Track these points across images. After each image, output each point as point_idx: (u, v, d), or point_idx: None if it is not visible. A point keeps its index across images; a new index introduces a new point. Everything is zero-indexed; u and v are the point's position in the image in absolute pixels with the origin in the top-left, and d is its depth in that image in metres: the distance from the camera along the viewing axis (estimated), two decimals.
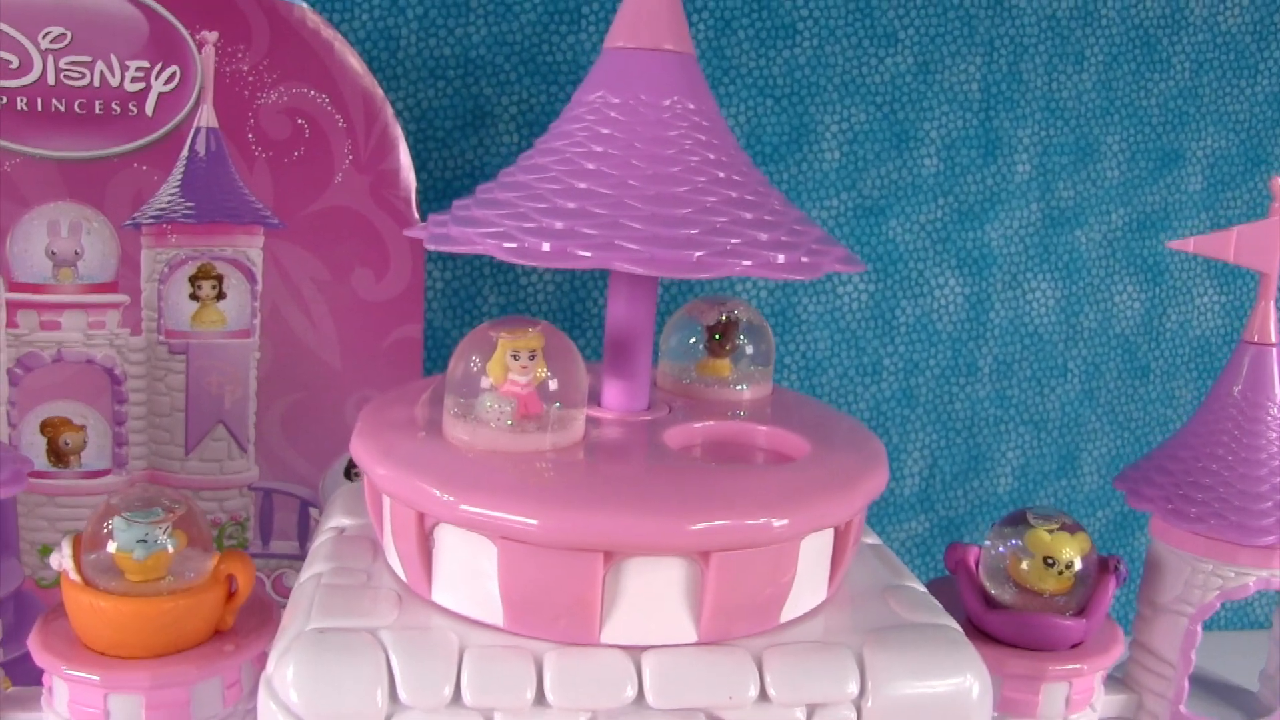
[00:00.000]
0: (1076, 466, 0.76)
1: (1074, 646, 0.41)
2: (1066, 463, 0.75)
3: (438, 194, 0.63)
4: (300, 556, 0.53)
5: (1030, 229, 0.72)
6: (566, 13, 0.63)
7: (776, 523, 0.30)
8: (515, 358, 0.31)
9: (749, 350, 0.41)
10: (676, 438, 0.34)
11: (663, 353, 0.42)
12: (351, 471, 0.53)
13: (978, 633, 0.41)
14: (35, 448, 0.49)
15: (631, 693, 0.29)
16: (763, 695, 0.30)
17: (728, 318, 0.41)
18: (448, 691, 0.29)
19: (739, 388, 0.40)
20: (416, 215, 0.52)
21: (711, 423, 0.36)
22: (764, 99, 0.66)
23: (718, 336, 0.41)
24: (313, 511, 0.53)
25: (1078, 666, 0.40)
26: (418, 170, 0.52)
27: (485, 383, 0.32)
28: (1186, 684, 0.44)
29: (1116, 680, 0.46)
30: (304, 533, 0.54)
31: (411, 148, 0.52)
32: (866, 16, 0.67)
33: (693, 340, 0.41)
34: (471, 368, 0.32)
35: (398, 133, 0.51)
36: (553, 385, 0.32)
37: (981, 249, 0.71)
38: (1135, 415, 0.76)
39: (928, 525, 0.74)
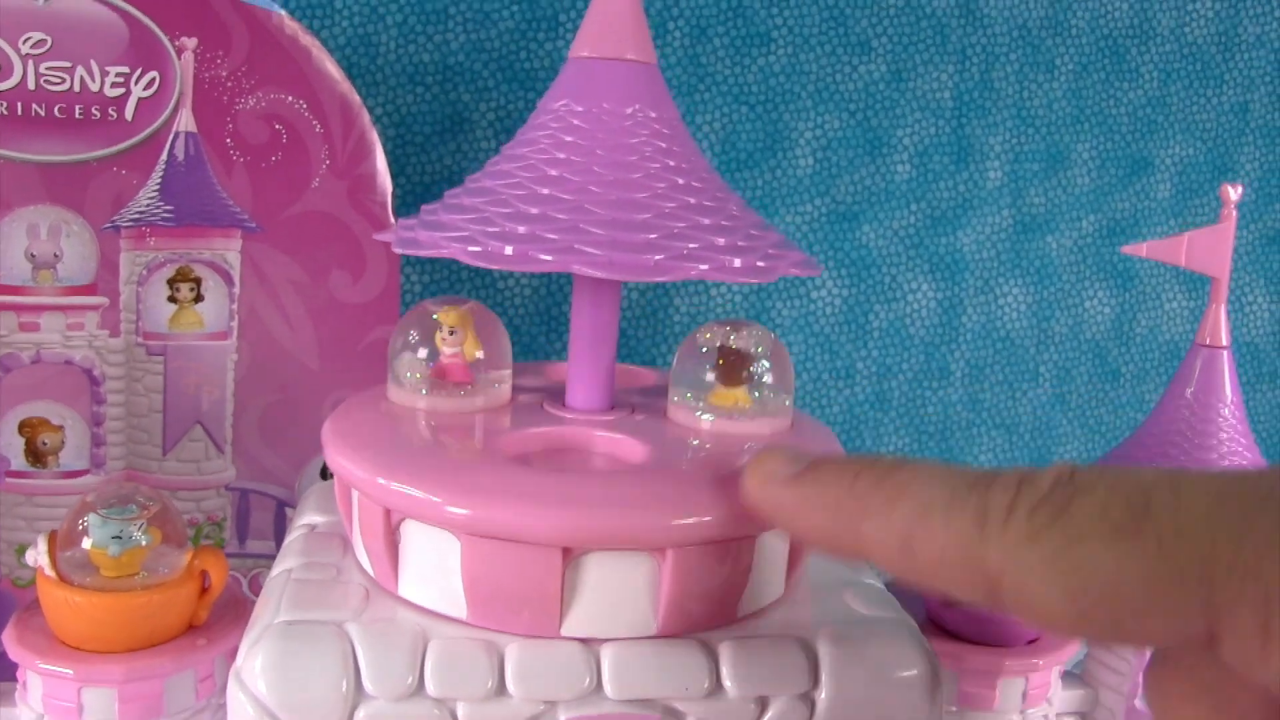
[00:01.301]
0: None
1: (1030, 642, 0.42)
2: (1037, 466, 0.76)
3: (415, 199, 0.63)
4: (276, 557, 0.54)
5: (1002, 235, 0.73)
6: (544, 20, 0.64)
7: (731, 520, 0.30)
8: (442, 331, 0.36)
9: (768, 380, 0.36)
10: (514, 444, 0.34)
11: (671, 382, 0.37)
12: (327, 471, 0.54)
13: (937, 629, 0.42)
14: (13, 448, 0.50)
15: (590, 684, 0.30)
16: (718, 687, 0.31)
17: (734, 344, 0.36)
18: (411, 682, 0.29)
19: (756, 419, 0.36)
20: (393, 219, 0.52)
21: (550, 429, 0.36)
22: (738, 106, 0.67)
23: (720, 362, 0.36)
24: (289, 512, 0.54)
25: (1034, 662, 0.41)
26: (395, 175, 0.53)
27: (423, 353, 0.36)
28: (1141, 679, 0.44)
29: (1074, 676, 0.47)
30: (280, 533, 0.54)
31: (389, 153, 0.52)
32: (840, 25, 0.68)
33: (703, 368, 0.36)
34: (409, 339, 0.37)
35: (374, 138, 0.52)
36: (479, 355, 0.37)
37: (954, 254, 0.72)
38: (1105, 419, 0.77)
39: None
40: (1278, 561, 0.17)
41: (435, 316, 0.36)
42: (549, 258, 0.30)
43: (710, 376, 0.36)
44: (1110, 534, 0.19)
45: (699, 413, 0.36)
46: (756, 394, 0.36)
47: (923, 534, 0.22)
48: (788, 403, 0.36)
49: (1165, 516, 0.18)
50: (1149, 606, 0.18)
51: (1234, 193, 0.44)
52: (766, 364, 0.36)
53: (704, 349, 0.36)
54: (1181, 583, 0.18)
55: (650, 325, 0.68)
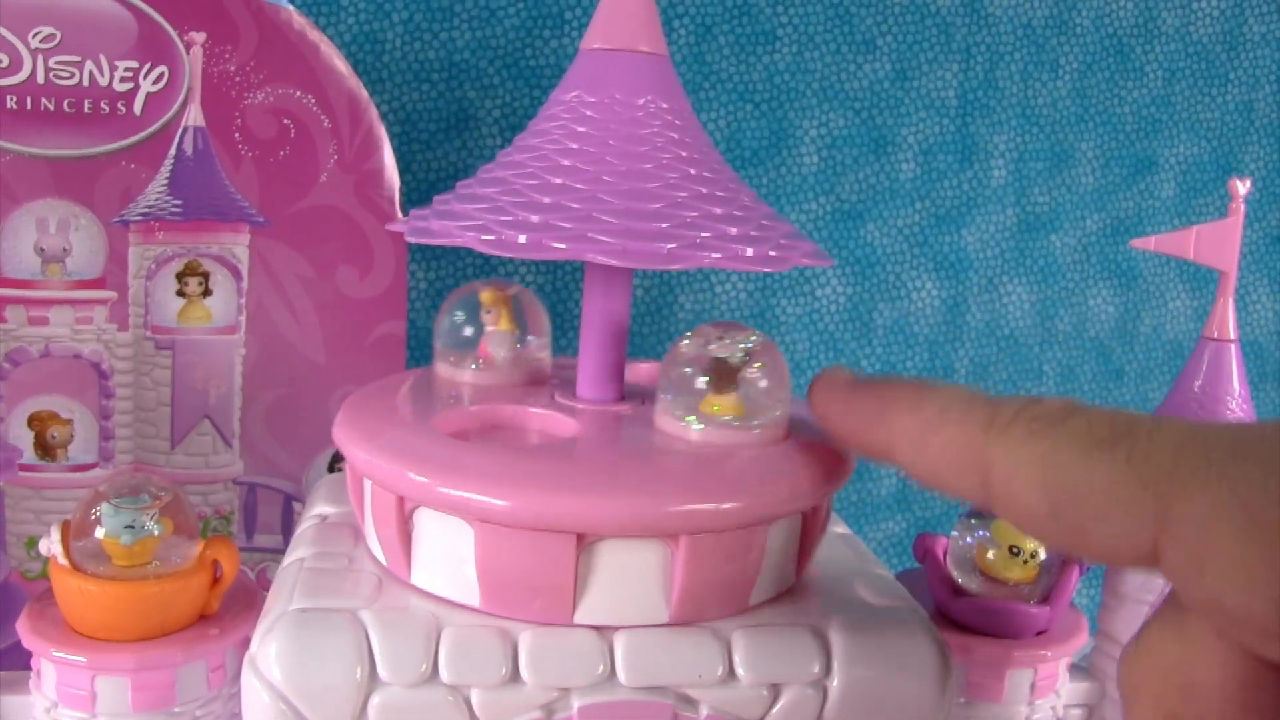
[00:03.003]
0: None
1: (1039, 634, 0.42)
2: None
3: (421, 194, 0.64)
4: (284, 550, 0.54)
5: (1006, 233, 0.73)
6: (549, 18, 0.64)
7: (744, 507, 0.30)
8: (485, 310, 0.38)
9: (762, 384, 0.33)
10: (449, 423, 0.35)
11: (659, 390, 0.34)
12: (335, 465, 0.54)
13: (945, 620, 0.42)
14: (23, 441, 0.50)
15: (603, 671, 0.30)
16: (730, 674, 0.31)
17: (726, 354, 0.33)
18: (425, 669, 0.30)
19: (749, 426, 0.33)
20: (400, 215, 0.53)
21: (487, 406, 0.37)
22: (744, 104, 0.68)
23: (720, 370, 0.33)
24: (296, 506, 0.54)
25: (1042, 653, 0.41)
26: (402, 171, 0.53)
27: (468, 331, 0.38)
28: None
29: (1081, 669, 0.47)
30: (288, 526, 0.54)
31: (396, 149, 0.53)
32: (846, 24, 0.68)
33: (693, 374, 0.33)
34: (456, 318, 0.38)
35: (382, 134, 0.52)
36: (519, 333, 0.38)
37: (958, 253, 0.72)
38: None
39: (904, 525, 0.75)
40: (1222, 493, 0.19)
41: (478, 296, 0.39)
42: (563, 246, 0.30)
43: (701, 384, 0.33)
44: (1091, 445, 0.21)
45: (689, 421, 0.33)
46: (749, 402, 0.33)
47: (938, 427, 0.25)
48: (782, 411, 0.34)
49: (1141, 440, 0.21)
50: (1109, 510, 0.21)
51: (1242, 187, 0.44)
52: (759, 371, 0.33)
53: (691, 357, 0.33)
54: (1140, 493, 0.20)
55: (655, 321, 0.68)
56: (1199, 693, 0.21)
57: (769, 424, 0.33)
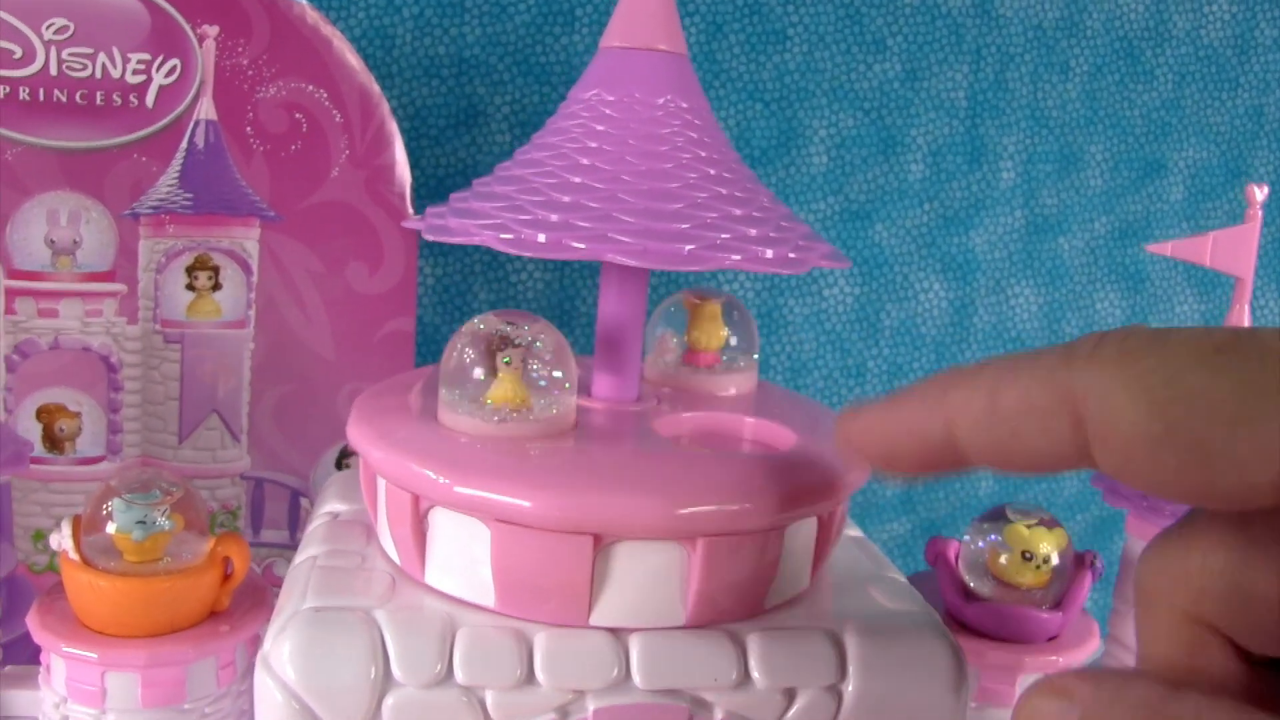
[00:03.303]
0: (1058, 474, 0.77)
1: (1050, 639, 0.42)
2: None
3: (431, 190, 0.63)
4: (290, 546, 0.54)
5: (1014, 235, 0.73)
6: (560, 14, 0.64)
7: (762, 510, 0.30)
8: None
9: (733, 341, 0.41)
10: (667, 426, 0.35)
11: (648, 344, 0.41)
12: (342, 462, 0.54)
13: (957, 625, 0.42)
14: (31, 434, 0.50)
15: (618, 673, 0.30)
16: (746, 678, 0.31)
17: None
18: (440, 669, 0.29)
19: (723, 378, 0.40)
20: (411, 211, 0.52)
21: (700, 413, 0.37)
22: (754, 103, 0.67)
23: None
24: (303, 501, 0.54)
25: (1054, 659, 0.41)
26: (412, 167, 0.53)
27: (478, 373, 0.32)
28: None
29: None
30: (294, 522, 0.54)
31: (406, 145, 0.52)
32: (856, 24, 0.68)
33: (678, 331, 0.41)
34: (465, 359, 0.33)
35: (393, 129, 0.52)
36: (545, 378, 0.33)
37: (966, 254, 0.72)
38: None
39: (909, 526, 0.75)
40: None
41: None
42: (582, 245, 0.30)
43: (684, 340, 0.40)
44: (1210, 350, 0.18)
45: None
46: (725, 355, 0.40)
47: (1008, 380, 0.21)
48: (755, 357, 0.41)
49: (1272, 338, 0.17)
50: (1242, 417, 0.17)
51: (1260, 193, 0.44)
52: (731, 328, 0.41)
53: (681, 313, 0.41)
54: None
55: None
56: (1244, 596, 0.19)
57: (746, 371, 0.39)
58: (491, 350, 0.32)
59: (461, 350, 0.32)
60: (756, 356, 0.41)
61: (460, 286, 0.65)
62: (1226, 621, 0.20)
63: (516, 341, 0.32)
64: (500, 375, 0.32)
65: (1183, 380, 0.18)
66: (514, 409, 0.32)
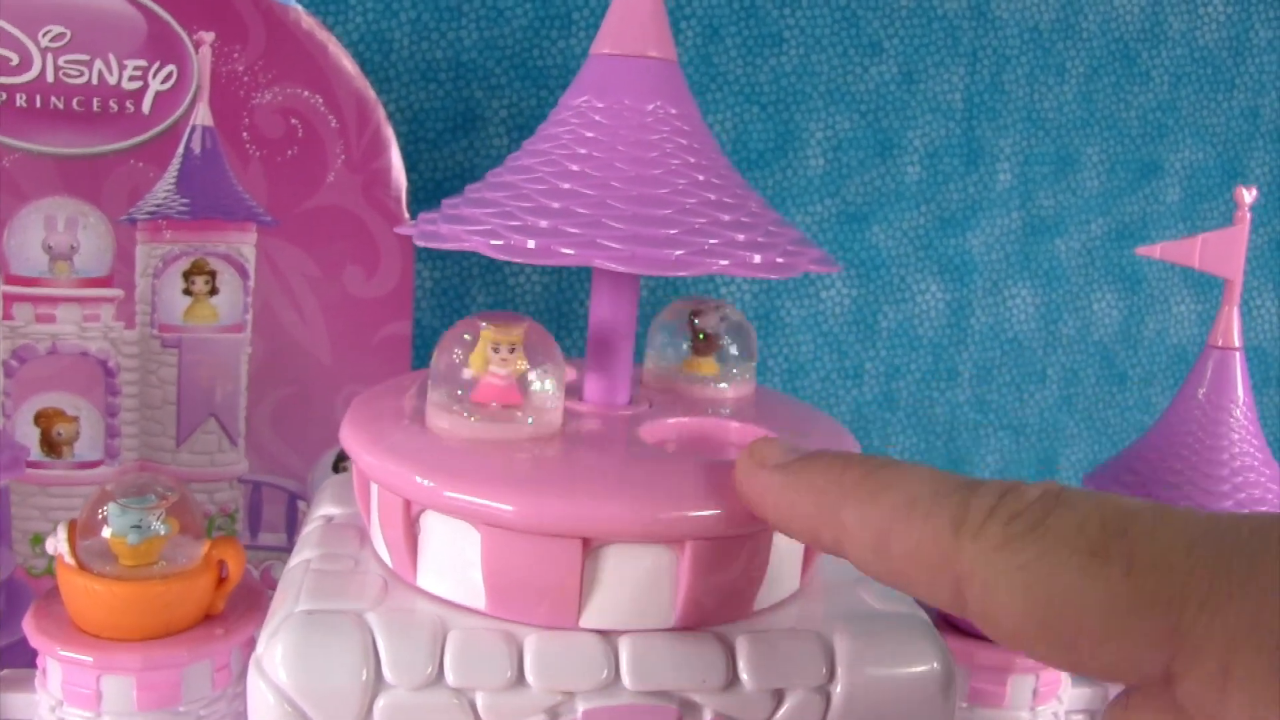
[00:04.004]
0: (1054, 471, 0.77)
1: None
2: (1044, 467, 0.76)
3: (428, 195, 0.64)
4: (288, 549, 0.54)
5: (1011, 237, 0.73)
6: (557, 18, 0.64)
7: (750, 514, 0.30)
8: (496, 350, 0.32)
9: (734, 350, 0.41)
10: (652, 432, 0.35)
11: (648, 350, 0.42)
12: (339, 465, 0.54)
13: (948, 626, 0.42)
14: (29, 438, 0.50)
15: (608, 675, 0.30)
16: (734, 679, 0.31)
17: (711, 319, 0.41)
18: (431, 671, 0.30)
19: (722, 385, 0.40)
20: (407, 215, 0.53)
21: (685, 418, 0.37)
22: (750, 106, 0.68)
23: (702, 336, 0.41)
24: (301, 505, 0.54)
25: None
26: (408, 171, 0.54)
27: (466, 373, 0.32)
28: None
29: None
30: (292, 525, 0.54)
31: (402, 149, 0.53)
32: (852, 26, 0.68)
33: (679, 339, 0.41)
34: (454, 359, 0.33)
35: (389, 134, 0.52)
36: (532, 378, 0.33)
37: (963, 256, 0.72)
38: (1112, 421, 0.77)
39: None
40: (1248, 604, 0.17)
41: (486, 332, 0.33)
42: (571, 251, 0.31)
43: (684, 347, 0.41)
44: (1083, 552, 0.19)
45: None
46: (723, 363, 0.40)
47: (901, 528, 0.22)
48: (751, 371, 0.41)
49: (1141, 544, 0.18)
50: (1109, 632, 0.18)
51: (1248, 195, 0.44)
52: (731, 336, 0.40)
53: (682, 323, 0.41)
54: (1147, 612, 0.18)
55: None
56: None
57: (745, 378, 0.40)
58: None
59: (450, 351, 0.33)
60: (754, 364, 0.41)
61: (457, 290, 0.65)
62: None
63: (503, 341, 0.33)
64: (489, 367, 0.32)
65: (1055, 584, 0.19)
66: (502, 407, 0.32)
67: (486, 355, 0.32)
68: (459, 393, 0.32)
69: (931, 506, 0.21)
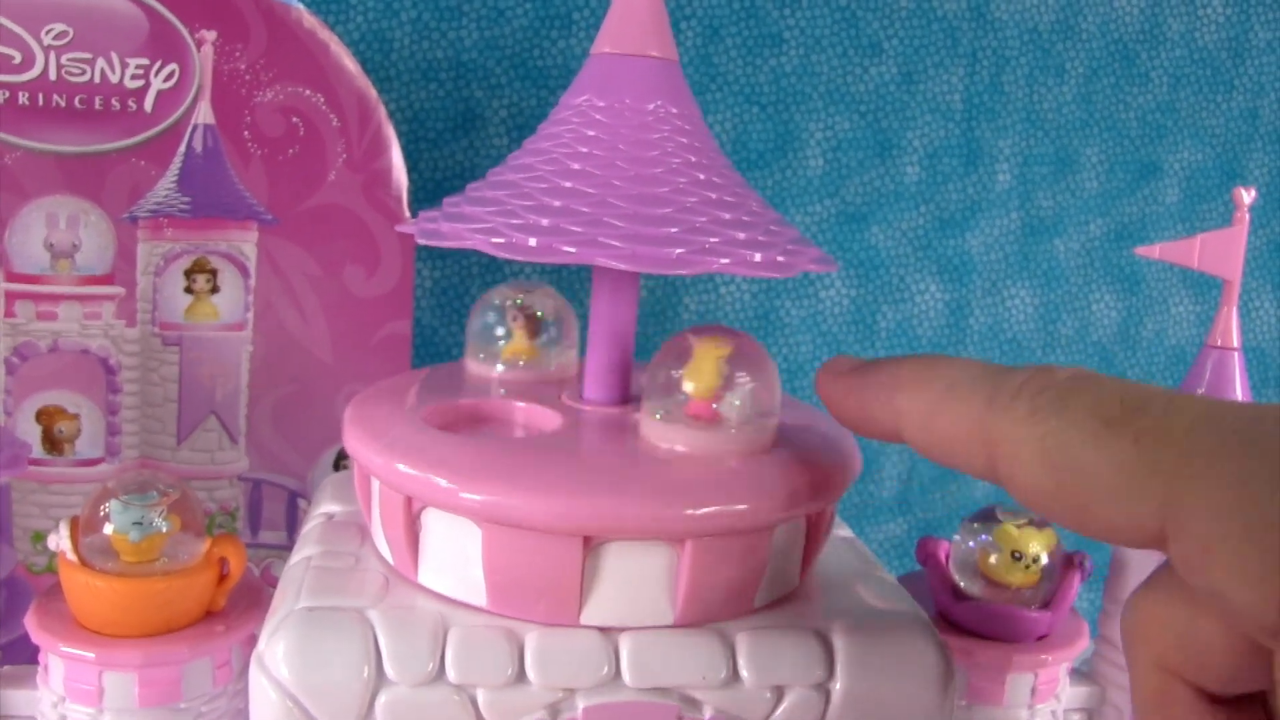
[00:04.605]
0: None
1: (1040, 639, 0.42)
2: None
3: (428, 194, 0.64)
4: (288, 547, 0.54)
5: (1010, 237, 0.73)
6: (557, 18, 0.64)
7: (750, 511, 0.31)
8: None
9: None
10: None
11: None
12: (340, 463, 0.54)
13: (947, 624, 0.42)
14: (30, 435, 0.50)
15: (608, 672, 0.30)
16: (734, 676, 0.31)
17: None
18: (432, 668, 0.30)
19: None
20: (408, 214, 0.53)
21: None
22: (750, 106, 0.68)
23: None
24: (301, 503, 0.54)
25: (1043, 658, 0.42)
26: (409, 171, 0.54)
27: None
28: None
29: (1082, 673, 0.47)
30: (292, 523, 0.55)
31: (403, 149, 0.53)
32: (852, 27, 0.68)
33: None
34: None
35: (391, 133, 0.52)
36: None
37: (962, 256, 0.72)
38: None
39: (905, 527, 0.75)
40: (1234, 481, 0.19)
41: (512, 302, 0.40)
42: (572, 250, 0.31)
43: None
44: (1099, 424, 0.21)
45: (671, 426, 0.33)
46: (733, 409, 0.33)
47: (943, 407, 0.24)
48: (771, 423, 0.33)
49: (1151, 420, 0.20)
50: (1115, 492, 0.20)
51: (1247, 196, 0.44)
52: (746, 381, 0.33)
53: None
54: (1149, 479, 0.20)
55: (660, 323, 0.68)
56: (1194, 646, 0.22)
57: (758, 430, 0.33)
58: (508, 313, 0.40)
59: (483, 313, 0.39)
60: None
61: (458, 289, 0.66)
62: (1182, 666, 0.22)
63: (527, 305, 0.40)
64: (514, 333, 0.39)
65: (1071, 451, 0.21)
66: (525, 360, 0.39)
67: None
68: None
69: (971, 387, 0.24)
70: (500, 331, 0.40)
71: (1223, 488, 0.19)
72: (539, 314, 0.40)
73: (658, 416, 0.33)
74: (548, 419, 0.36)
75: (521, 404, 0.37)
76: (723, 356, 0.32)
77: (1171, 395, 0.21)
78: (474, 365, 0.40)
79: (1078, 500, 0.21)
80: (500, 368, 0.40)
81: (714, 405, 0.32)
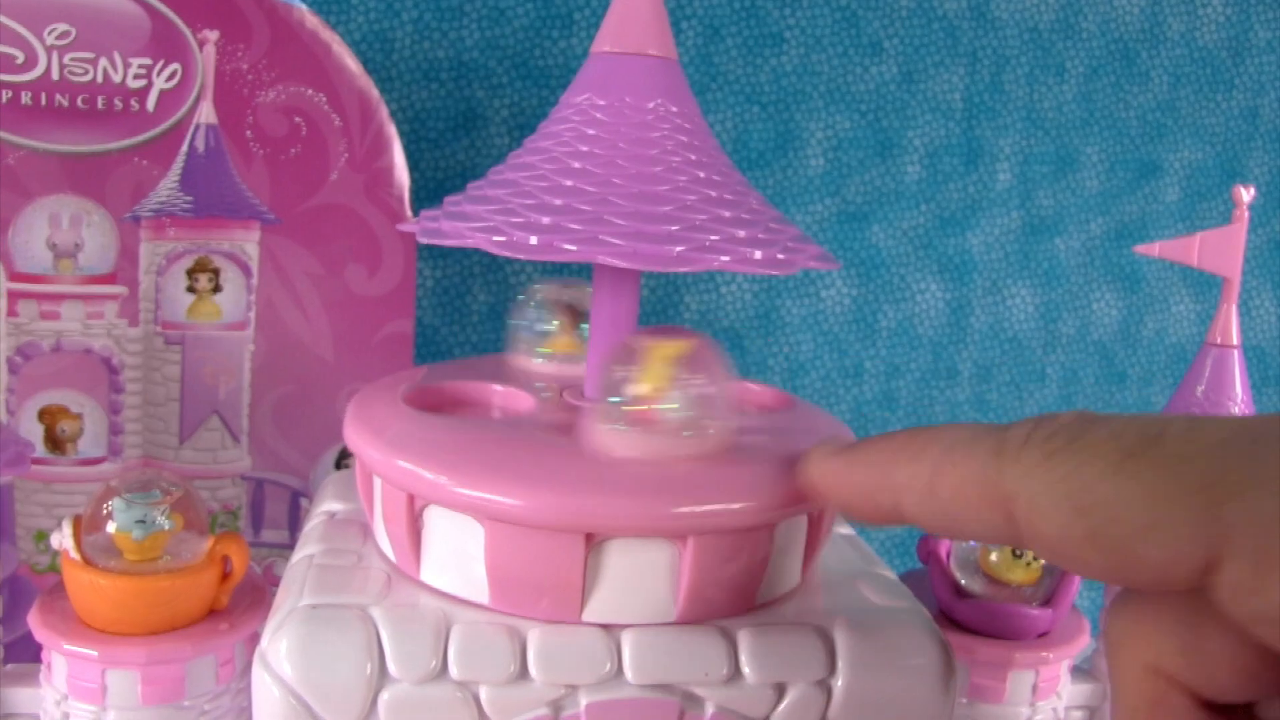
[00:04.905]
0: None
1: (1041, 636, 0.42)
2: None
3: (430, 193, 0.64)
4: (290, 546, 0.54)
5: (1010, 236, 0.73)
6: (558, 18, 0.64)
7: (752, 508, 0.31)
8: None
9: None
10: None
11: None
12: (341, 462, 0.54)
13: (948, 622, 0.43)
14: (33, 435, 0.50)
15: (611, 669, 0.30)
16: (736, 673, 0.31)
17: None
18: (434, 665, 0.30)
19: None
20: (409, 214, 0.53)
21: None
22: (751, 106, 0.68)
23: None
24: (303, 502, 0.54)
25: (1044, 655, 0.42)
26: (411, 170, 0.54)
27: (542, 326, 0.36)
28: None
29: (1083, 671, 0.47)
30: (294, 522, 0.55)
31: (405, 148, 0.53)
32: (852, 26, 0.68)
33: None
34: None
35: (392, 132, 0.52)
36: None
37: (963, 255, 0.72)
38: None
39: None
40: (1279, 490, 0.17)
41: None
42: (573, 248, 0.31)
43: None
44: (1120, 456, 0.19)
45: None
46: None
47: (945, 470, 0.23)
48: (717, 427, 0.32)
49: (1176, 444, 0.19)
50: (1152, 524, 0.19)
51: (1246, 194, 0.44)
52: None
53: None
54: (1186, 501, 0.18)
55: (662, 321, 0.68)
56: (1200, 654, 0.21)
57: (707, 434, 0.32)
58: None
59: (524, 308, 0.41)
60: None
61: (459, 288, 0.66)
62: (1183, 673, 0.21)
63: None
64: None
65: (1098, 487, 0.19)
66: (566, 354, 0.40)
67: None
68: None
69: (971, 446, 0.22)
70: (541, 327, 0.41)
71: (1271, 498, 0.17)
72: (581, 309, 0.42)
73: (603, 420, 0.32)
74: (521, 401, 0.37)
75: (499, 387, 0.38)
76: (671, 358, 0.31)
77: (1191, 417, 0.20)
78: (516, 359, 0.41)
79: (1111, 542, 0.19)
80: (538, 360, 0.41)
81: (655, 407, 0.31)
